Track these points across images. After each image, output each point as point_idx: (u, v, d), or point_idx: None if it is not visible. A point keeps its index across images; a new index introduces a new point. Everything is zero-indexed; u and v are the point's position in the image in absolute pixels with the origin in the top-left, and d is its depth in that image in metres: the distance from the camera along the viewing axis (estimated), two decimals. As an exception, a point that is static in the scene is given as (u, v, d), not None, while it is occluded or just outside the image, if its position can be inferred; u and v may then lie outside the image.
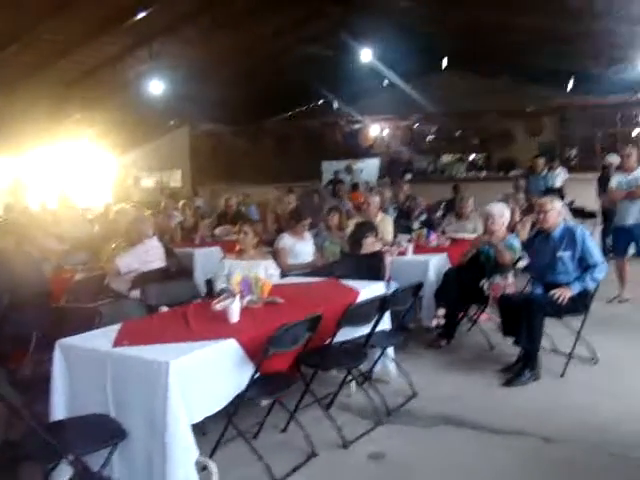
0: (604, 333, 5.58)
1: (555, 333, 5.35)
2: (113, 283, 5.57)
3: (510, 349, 5.37)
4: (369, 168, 17.45)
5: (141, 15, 10.20)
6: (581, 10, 10.08)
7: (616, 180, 7.34)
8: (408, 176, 16.07)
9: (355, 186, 13.97)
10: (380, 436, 3.99)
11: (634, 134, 15.82)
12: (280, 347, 3.45)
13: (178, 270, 6.42)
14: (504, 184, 13.05)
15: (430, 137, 18.24)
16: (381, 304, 4.28)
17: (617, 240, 7.50)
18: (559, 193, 9.46)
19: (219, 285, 5.15)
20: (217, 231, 8.41)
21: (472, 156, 17.56)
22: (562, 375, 4.95)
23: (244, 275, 4.22)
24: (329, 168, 17.42)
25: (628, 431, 3.95)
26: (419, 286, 4.87)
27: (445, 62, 16.32)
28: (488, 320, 6.17)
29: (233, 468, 3.52)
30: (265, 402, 4.09)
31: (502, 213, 6.01)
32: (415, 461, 3.67)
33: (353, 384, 4.60)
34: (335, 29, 13.82)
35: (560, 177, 11.52)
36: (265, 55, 14.42)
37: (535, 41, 12.85)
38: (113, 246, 6.02)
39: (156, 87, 12.85)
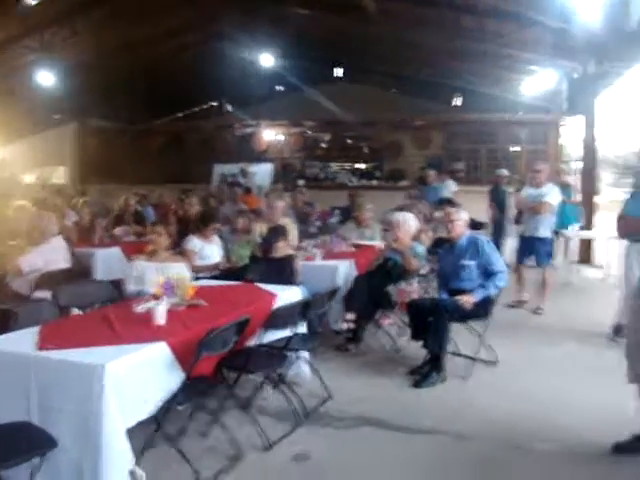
0: (504, 337, 5.87)
1: (459, 337, 5.57)
2: (14, 283, 5.27)
3: (415, 352, 5.58)
4: (262, 173, 17.44)
5: (32, 2, 9.74)
6: (472, 31, 10.64)
7: (525, 192, 7.80)
8: (301, 182, 16.23)
9: (248, 190, 13.94)
10: (302, 438, 4.03)
11: (511, 150, 16.83)
12: (212, 350, 3.42)
13: (78, 271, 6.17)
14: (394, 194, 13.49)
15: (323, 144, 18.53)
16: (303, 308, 4.33)
17: (519, 249, 7.93)
18: (452, 205, 9.88)
19: (131, 288, 5.01)
20: (117, 231, 8.15)
21: (363, 165, 18.00)
22: (467, 377, 5.19)
23: (167, 277, 4.13)
24: (221, 171, 17.26)
25: (530, 426, 4.22)
26: (335, 291, 4.96)
27: (340, 72, 16.67)
28: (391, 324, 6.36)
29: (160, 473, 3.44)
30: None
31: (408, 221, 6.24)
32: (339, 461, 3.74)
33: (269, 387, 4.61)
34: (232, 33, 13.79)
35: (449, 189, 12.02)
36: (159, 54, 14.17)
37: (426, 57, 13.41)
38: (12, 244, 5.69)
39: (45, 79, 12.26)
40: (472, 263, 5.46)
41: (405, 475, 3.61)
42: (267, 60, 13.81)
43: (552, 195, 7.52)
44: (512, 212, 10.42)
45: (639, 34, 5.73)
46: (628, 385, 3.92)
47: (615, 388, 4.66)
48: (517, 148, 16.55)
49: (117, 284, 5.36)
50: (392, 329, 6.26)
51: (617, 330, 6.36)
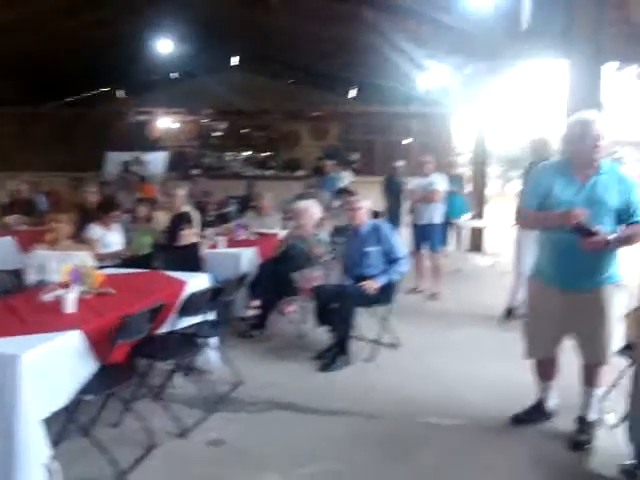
0: (405, 321, 6.10)
1: (362, 321, 5.73)
2: None
3: (318, 337, 5.74)
4: (156, 161, 17.04)
5: None
6: (368, 25, 10.86)
7: (414, 183, 8.12)
8: (195, 171, 16.05)
9: (143, 179, 13.64)
10: (216, 424, 4.05)
11: (404, 142, 17.35)
12: (127, 338, 3.38)
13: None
14: (291, 183, 13.63)
15: (218, 133, 18.37)
16: (213, 295, 4.34)
17: (414, 237, 8.22)
18: (350, 194, 10.10)
19: (31, 277, 4.83)
20: (9, 220, 7.77)
21: (259, 154, 18.01)
22: (371, 359, 5.37)
23: (74, 265, 4.03)
24: (115, 159, 16.72)
25: (436, 404, 4.45)
26: (243, 278, 4.99)
27: (236, 60, 16.57)
28: (295, 311, 6.47)
29: (75, 465, 3.37)
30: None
31: (312, 209, 6.36)
32: (254, 445, 3.78)
33: (179, 375, 4.59)
34: (125, 16, 13.36)
35: (347, 179, 12.27)
36: (47, 34, 13.48)
37: (325, 48, 13.56)
38: None
39: None
40: (375, 249, 5.64)
41: (318, 455, 3.69)
42: (163, 46, 13.51)
43: (440, 183, 7.94)
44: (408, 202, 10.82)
45: (528, 34, 6.09)
46: (523, 362, 4.19)
47: (511, 365, 5.01)
48: (410, 140, 17.08)
49: (16, 274, 5.15)
50: (295, 315, 6.38)
51: (509, 313, 6.78)
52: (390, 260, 5.64)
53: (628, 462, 3.43)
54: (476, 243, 11.53)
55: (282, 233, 7.60)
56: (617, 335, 3.79)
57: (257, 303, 6.02)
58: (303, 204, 6.32)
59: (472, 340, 6.06)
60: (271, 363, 5.32)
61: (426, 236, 8.00)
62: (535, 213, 3.82)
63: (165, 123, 17.84)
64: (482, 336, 6.19)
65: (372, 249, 5.65)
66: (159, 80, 16.79)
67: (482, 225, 11.17)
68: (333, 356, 5.27)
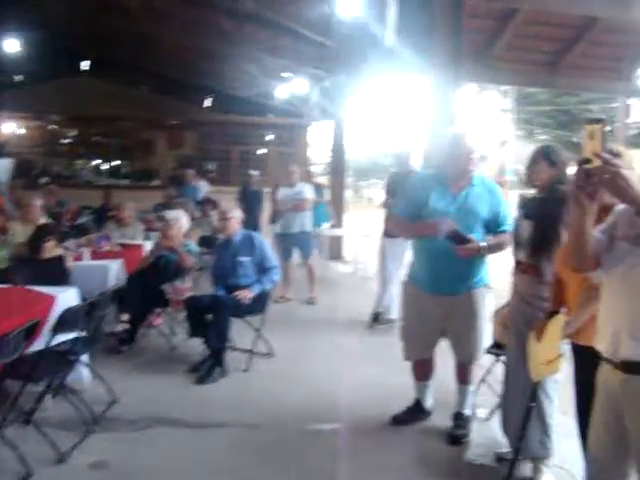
0: (277, 330, 6.11)
1: (236, 331, 5.69)
2: None
3: (190, 349, 5.69)
4: (1, 169, 15.99)
5: None
6: (228, 34, 10.89)
7: (282, 193, 8.23)
8: (44, 180, 15.21)
9: (-13, 188, 12.72)
10: (95, 445, 3.86)
11: (261, 152, 17.49)
12: (3, 358, 3.15)
13: None
14: (148, 193, 13.34)
15: (68, 140, 17.54)
16: (89, 310, 4.15)
17: (283, 246, 8.32)
18: (213, 204, 10.04)
19: None
20: None
21: (112, 163, 17.40)
22: (247, 369, 5.37)
23: None
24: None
25: (315, 409, 4.54)
26: (118, 291, 4.82)
27: (87, 65, 15.91)
28: (161, 324, 6.34)
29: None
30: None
31: (181, 219, 6.26)
32: (140, 465, 3.66)
33: (49, 396, 4.33)
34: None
35: (204, 189, 12.15)
36: None
37: (182, 57, 13.37)
38: None
39: None
40: (248, 259, 5.66)
41: (205, 469, 3.64)
42: (9, 45, 12.70)
43: (308, 192, 8.16)
44: (267, 212, 10.93)
45: (392, 50, 6.39)
46: (394, 364, 4.38)
47: (383, 368, 5.24)
48: (267, 150, 17.24)
49: None
50: (165, 328, 6.24)
51: (376, 318, 7.03)
52: (262, 269, 5.68)
53: (504, 450, 3.71)
54: (336, 251, 11.85)
55: (146, 244, 7.42)
56: (486, 334, 4.08)
57: (126, 317, 5.82)
58: (173, 214, 6.20)
59: (343, 345, 6.22)
60: (145, 378, 5.15)
61: (298, 244, 8.16)
62: (409, 223, 4.03)
63: (9, 128, 16.74)
64: (352, 341, 6.38)
65: (245, 259, 5.67)
66: (3, 82, 15.72)
67: (342, 233, 11.50)
68: (209, 368, 5.21)
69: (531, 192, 3.75)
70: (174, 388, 4.95)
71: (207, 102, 16.21)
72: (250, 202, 11.20)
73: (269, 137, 17.01)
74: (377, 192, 51.31)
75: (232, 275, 5.67)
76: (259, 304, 5.60)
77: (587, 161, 1.98)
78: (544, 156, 3.45)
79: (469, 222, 3.77)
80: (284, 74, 12.56)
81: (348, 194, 19.64)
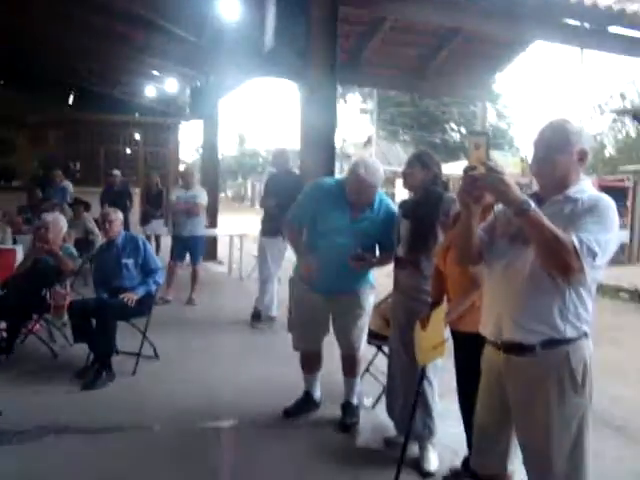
0: (160, 331, 6.03)
1: (119, 335, 5.57)
2: None
3: (73, 356, 5.57)
4: None
5: None
6: (100, 31, 10.58)
7: (175, 195, 8.20)
8: None
9: None
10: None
11: (127, 152, 17.07)
12: None
13: None
14: (9, 194, 12.69)
15: None
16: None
17: (176, 248, 8.34)
18: (85, 205, 9.77)
19: None
20: None
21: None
22: (134, 372, 5.32)
23: None
24: None
25: (205, 408, 4.59)
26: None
27: None
28: (41, 330, 6.14)
29: None
30: None
31: (60, 222, 6.10)
32: (37, 476, 3.56)
33: None
34: None
35: (70, 189, 11.75)
36: None
37: (46, 52, 12.80)
38: None
39: None
40: (131, 261, 5.61)
41: (104, 474, 3.59)
42: None
43: (203, 196, 8.17)
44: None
45: (268, 53, 6.53)
46: (279, 360, 4.63)
47: (269, 364, 5.41)
48: (136, 149, 16.85)
49: None
50: (43, 334, 6.04)
51: (256, 316, 7.17)
52: (146, 271, 5.65)
53: (391, 435, 3.98)
54: (211, 252, 11.85)
55: (18, 248, 7.16)
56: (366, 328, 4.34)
57: (3, 325, 5.58)
58: (52, 217, 6.02)
59: (228, 344, 6.32)
60: (29, 387, 4.91)
61: (188, 247, 8.16)
62: (296, 237, 4.26)
63: None
64: (236, 340, 6.50)
65: (128, 261, 5.61)
66: None
67: (216, 234, 11.51)
68: (96, 373, 5.12)
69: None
70: (61, 395, 4.80)
71: (73, 100, 15.56)
72: (114, 203, 10.95)
73: (138, 136, 16.61)
74: (243, 192, 51.29)
75: (115, 277, 5.59)
76: (144, 306, 5.57)
77: (473, 168, 2.26)
78: (418, 160, 3.75)
79: (358, 242, 4.00)
80: (154, 72, 12.38)
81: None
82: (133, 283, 5.56)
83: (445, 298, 3.43)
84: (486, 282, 2.62)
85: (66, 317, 5.76)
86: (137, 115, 16.16)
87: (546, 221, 2.20)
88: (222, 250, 12.10)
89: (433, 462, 3.70)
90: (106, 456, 3.83)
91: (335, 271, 4.00)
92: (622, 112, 25.74)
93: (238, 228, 12.07)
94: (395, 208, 4.13)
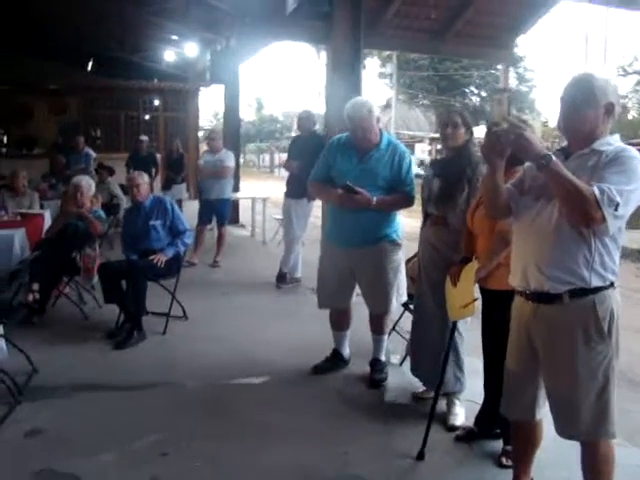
0: (188, 292, 6.12)
1: (150, 295, 5.62)
2: None
3: (103, 316, 5.72)
4: None
5: None
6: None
7: (204, 159, 8.29)
8: None
9: None
10: (25, 415, 3.80)
11: (149, 117, 17.07)
12: None
13: None
14: (32, 161, 12.80)
15: None
16: (10, 279, 4.09)
17: (202, 211, 8.43)
18: (109, 170, 9.85)
19: None
20: None
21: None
22: (164, 332, 5.44)
23: None
24: None
25: (239, 366, 4.68)
26: (31, 260, 4.74)
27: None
28: (71, 292, 6.28)
29: None
30: None
31: (90, 186, 6.19)
32: (76, 430, 3.65)
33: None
34: None
35: (93, 156, 11.82)
36: None
37: (62, 18, 12.77)
38: None
39: None
40: (160, 223, 5.70)
41: (143, 427, 3.69)
42: None
43: (230, 159, 8.25)
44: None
45: (291, 18, 6.49)
46: (306, 320, 4.76)
47: (296, 324, 5.49)
48: (156, 114, 16.86)
49: None
50: (73, 296, 6.18)
51: (282, 278, 7.24)
52: (175, 233, 5.74)
53: (419, 390, 4.06)
54: (233, 216, 11.92)
55: (46, 213, 7.27)
56: (397, 288, 4.35)
57: (36, 287, 5.69)
58: (83, 181, 6.10)
59: (255, 305, 6.40)
60: (62, 348, 5.06)
61: (215, 210, 8.26)
62: (321, 187, 4.30)
63: None
64: (263, 300, 6.59)
65: (157, 222, 5.70)
66: None
67: (238, 198, 11.57)
68: (127, 332, 5.23)
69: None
70: (94, 354, 4.94)
71: (91, 66, 15.54)
72: (141, 168, 11.02)
73: (158, 102, 16.59)
74: (262, 158, 51.24)
75: (144, 239, 5.68)
76: (173, 267, 5.68)
77: (496, 124, 2.31)
78: (462, 121, 3.76)
79: (367, 182, 4.04)
80: (173, 37, 12.32)
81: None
82: (162, 245, 5.65)
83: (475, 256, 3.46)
84: (515, 235, 2.68)
85: (96, 279, 5.85)
86: (156, 81, 16.13)
87: (567, 174, 2.24)
88: (243, 214, 12.16)
89: (460, 417, 3.76)
90: (139, 412, 3.93)
91: (352, 221, 4.10)
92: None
93: (259, 192, 12.10)
94: (405, 149, 4.25)
